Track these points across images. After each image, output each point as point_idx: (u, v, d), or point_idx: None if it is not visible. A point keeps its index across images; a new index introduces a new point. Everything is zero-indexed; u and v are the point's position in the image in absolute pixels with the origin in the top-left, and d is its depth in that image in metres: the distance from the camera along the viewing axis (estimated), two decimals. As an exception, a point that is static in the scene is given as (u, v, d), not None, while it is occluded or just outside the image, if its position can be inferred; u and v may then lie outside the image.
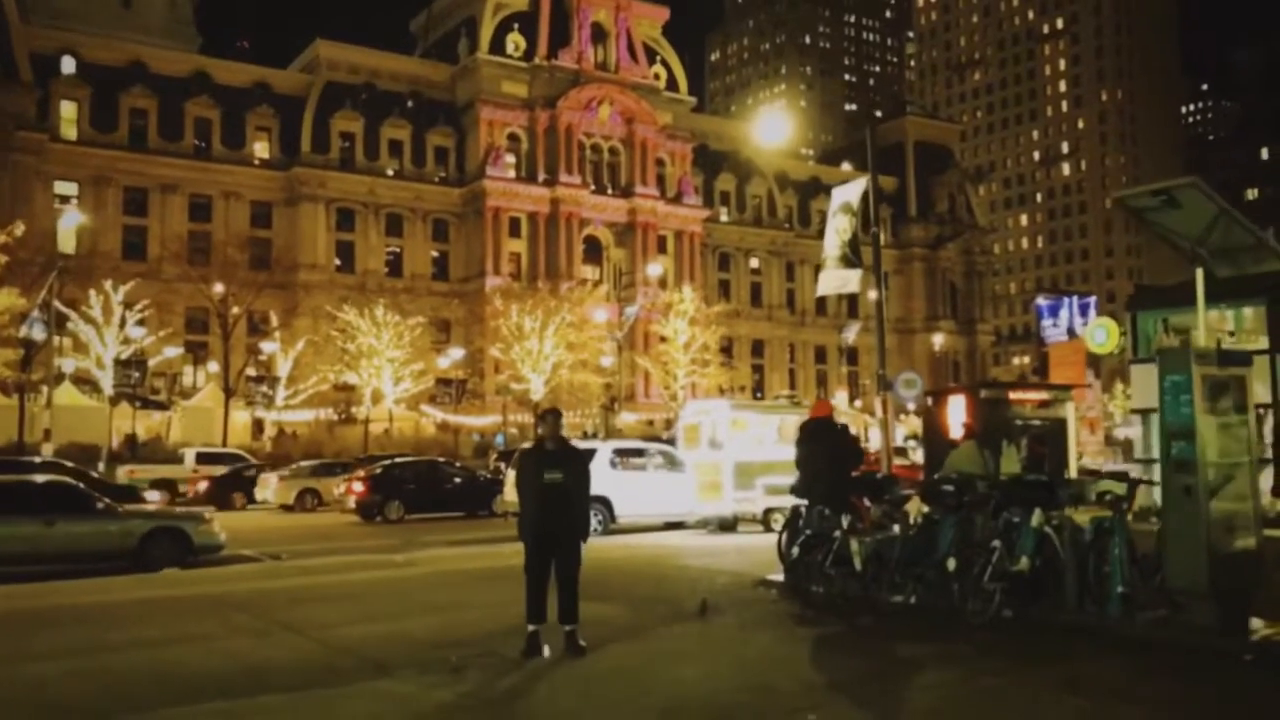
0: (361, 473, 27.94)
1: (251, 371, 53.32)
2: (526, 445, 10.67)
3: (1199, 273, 9.67)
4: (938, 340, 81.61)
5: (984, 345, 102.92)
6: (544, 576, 8.91)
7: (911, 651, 9.03)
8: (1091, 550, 9.35)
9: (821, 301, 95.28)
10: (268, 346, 47.21)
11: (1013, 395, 17.53)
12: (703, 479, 20.18)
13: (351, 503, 26.33)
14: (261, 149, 72.41)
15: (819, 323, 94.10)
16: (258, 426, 52.67)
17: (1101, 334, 19.58)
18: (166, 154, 68.20)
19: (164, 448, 39.38)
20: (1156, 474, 9.18)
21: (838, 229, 20.42)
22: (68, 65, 66.89)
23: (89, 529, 15.06)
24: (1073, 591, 9.64)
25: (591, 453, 20.66)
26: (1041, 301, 69.54)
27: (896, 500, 11.31)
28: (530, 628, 8.87)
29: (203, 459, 32.21)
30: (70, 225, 39.41)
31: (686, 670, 8.38)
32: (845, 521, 10.78)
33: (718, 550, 16.90)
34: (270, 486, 31.39)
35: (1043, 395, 17.81)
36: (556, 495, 8.81)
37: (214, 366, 52.27)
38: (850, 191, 17.66)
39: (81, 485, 16.71)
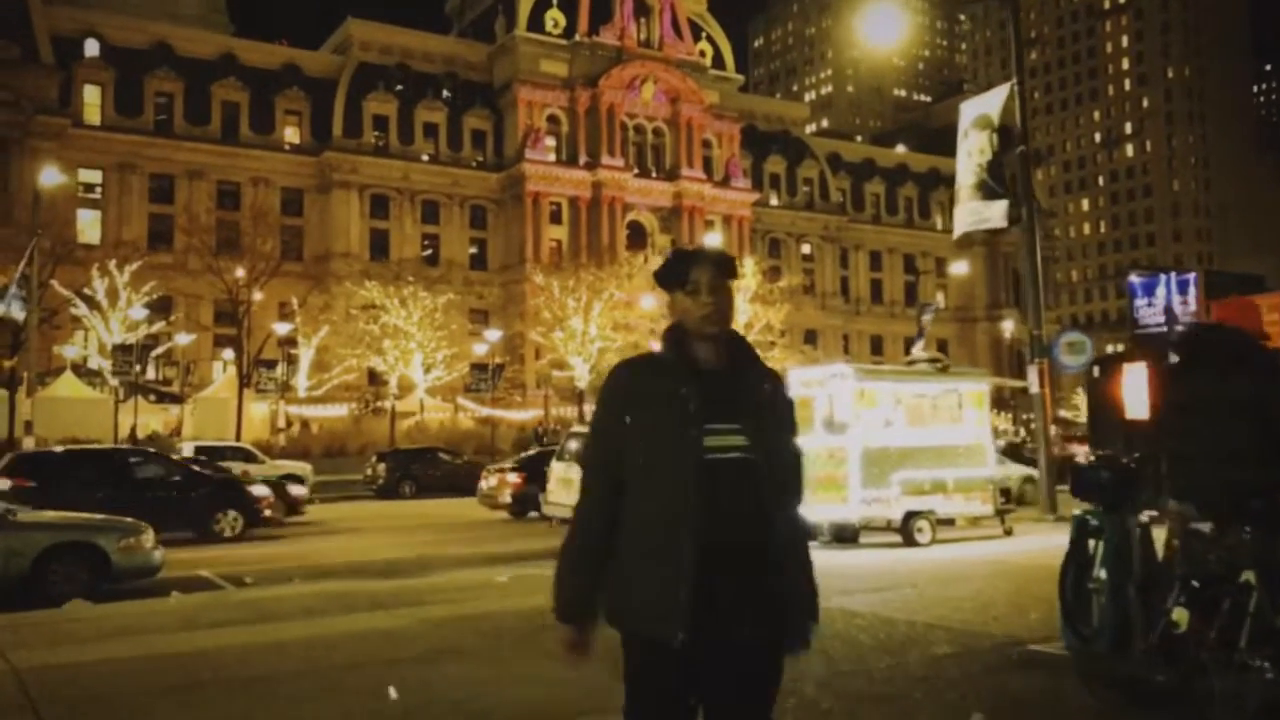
0: (511, 463, 25.15)
1: (276, 361, 50.09)
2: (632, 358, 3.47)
3: None
4: (1007, 328, 76.83)
5: (1048, 335, 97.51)
6: None
7: None
8: None
9: (877, 290, 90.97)
10: (280, 327, 43.56)
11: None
12: (816, 472, 14.46)
13: (507, 496, 23.02)
14: (292, 133, 69.57)
15: (875, 311, 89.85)
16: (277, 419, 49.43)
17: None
18: (193, 139, 65.60)
19: (169, 442, 36.16)
20: None
21: (972, 150, 16.44)
22: (91, 48, 64.50)
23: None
24: None
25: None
26: (1135, 279, 64.67)
27: None
28: None
29: (203, 453, 28.72)
30: (49, 182, 36.30)
31: None
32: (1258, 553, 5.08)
33: (862, 574, 11.21)
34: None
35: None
36: (729, 498, 2.92)
37: (229, 354, 48.97)
38: (990, 102, 13.59)
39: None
